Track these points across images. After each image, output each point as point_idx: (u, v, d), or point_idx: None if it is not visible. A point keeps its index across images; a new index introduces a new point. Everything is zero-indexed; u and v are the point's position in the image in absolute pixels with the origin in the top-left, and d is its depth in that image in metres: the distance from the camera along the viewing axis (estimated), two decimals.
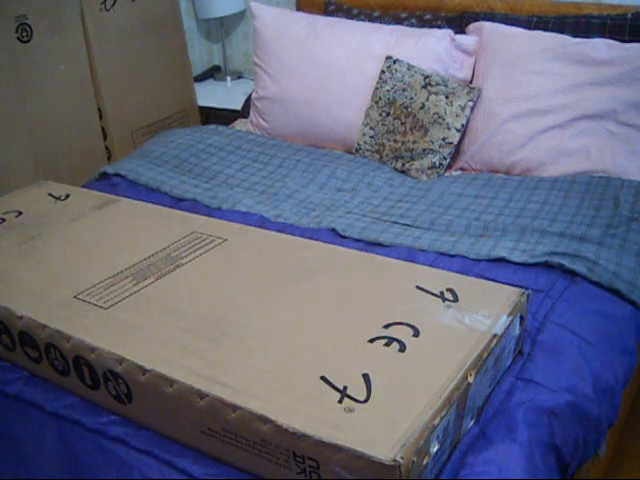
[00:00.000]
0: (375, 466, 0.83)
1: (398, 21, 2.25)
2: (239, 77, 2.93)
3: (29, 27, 2.02)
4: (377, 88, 2.03)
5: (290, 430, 0.88)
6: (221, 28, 2.89)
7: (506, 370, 1.15)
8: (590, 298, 1.32)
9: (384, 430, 0.87)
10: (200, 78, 2.91)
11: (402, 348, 1.02)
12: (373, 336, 1.05)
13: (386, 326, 1.07)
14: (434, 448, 0.90)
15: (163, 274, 1.27)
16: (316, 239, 1.45)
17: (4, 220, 1.53)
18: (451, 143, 1.91)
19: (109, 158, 2.37)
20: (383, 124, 2.00)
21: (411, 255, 1.46)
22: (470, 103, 1.92)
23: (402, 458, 0.82)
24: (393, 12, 2.30)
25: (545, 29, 2.00)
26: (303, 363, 1.00)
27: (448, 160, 1.93)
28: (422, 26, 2.19)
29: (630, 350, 1.28)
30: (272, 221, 1.65)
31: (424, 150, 1.91)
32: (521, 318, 1.14)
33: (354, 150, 2.07)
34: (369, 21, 2.28)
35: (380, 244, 1.53)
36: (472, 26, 2.09)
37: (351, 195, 1.77)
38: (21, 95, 2.04)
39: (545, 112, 1.84)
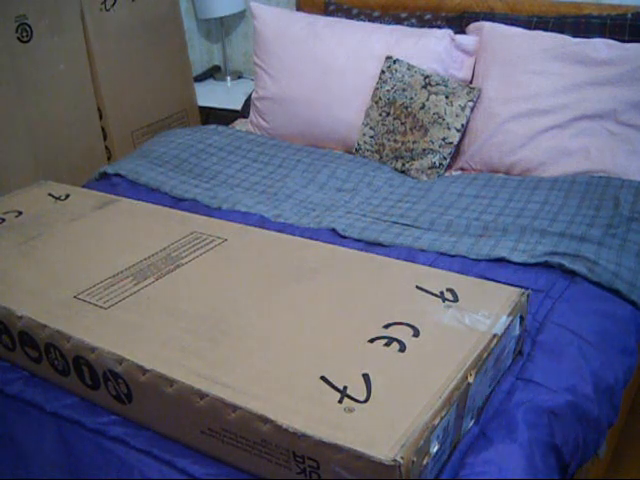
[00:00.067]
0: (375, 466, 0.83)
1: (398, 21, 2.25)
2: (239, 77, 2.93)
3: (29, 27, 2.02)
4: (377, 88, 2.03)
5: (290, 430, 0.88)
6: (221, 28, 2.89)
7: (506, 370, 1.15)
8: (590, 298, 1.32)
9: (384, 430, 0.87)
10: (200, 78, 2.91)
11: (402, 348, 1.02)
12: (373, 336, 1.05)
13: (386, 326, 1.07)
14: (434, 448, 0.90)
15: (163, 274, 1.27)
16: (316, 239, 1.45)
17: (4, 220, 1.53)
18: (451, 143, 1.91)
19: (109, 158, 2.37)
20: (383, 124, 2.00)
21: (411, 255, 1.46)
22: (470, 103, 1.92)
23: (402, 458, 0.82)
24: (393, 12, 2.30)
25: (545, 29, 2.00)
26: (303, 363, 1.00)
27: (448, 160, 1.93)
28: (422, 26, 2.19)
29: (630, 350, 1.28)
30: (272, 221, 1.65)
31: (424, 150, 1.91)
32: (521, 318, 1.14)
33: (354, 150, 2.07)
34: (369, 21, 2.28)
35: (380, 244, 1.53)
36: (472, 26, 2.09)
37: (351, 195, 1.77)
38: (21, 95, 2.04)
39: (545, 112, 1.84)
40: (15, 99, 2.02)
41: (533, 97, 1.86)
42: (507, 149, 1.88)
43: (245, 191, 1.83)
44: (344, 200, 1.75)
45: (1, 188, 1.95)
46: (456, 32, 2.08)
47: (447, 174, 1.94)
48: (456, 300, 1.13)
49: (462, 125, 1.92)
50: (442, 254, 1.47)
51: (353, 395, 0.93)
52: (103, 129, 2.32)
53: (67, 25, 2.13)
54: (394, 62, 2.02)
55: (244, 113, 2.43)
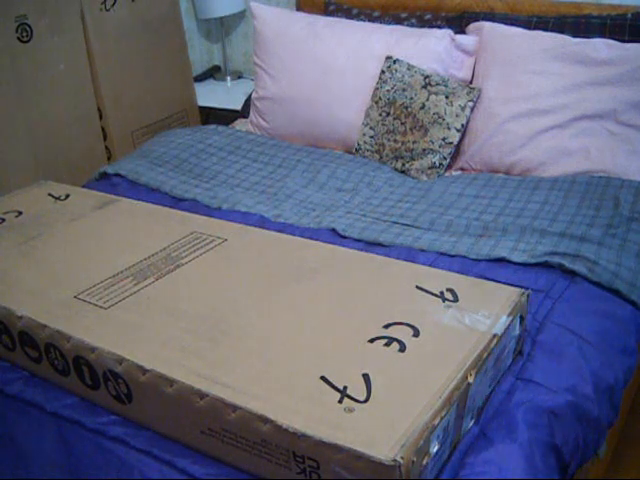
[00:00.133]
0: (375, 466, 0.83)
1: (398, 21, 2.25)
2: (239, 77, 2.93)
3: (29, 27, 2.02)
4: (377, 88, 2.03)
5: (290, 430, 0.88)
6: (221, 28, 2.89)
7: (506, 370, 1.15)
8: (590, 298, 1.32)
9: (384, 430, 0.87)
10: (200, 78, 2.91)
11: (402, 348, 1.02)
12: (373, 336, 1.05)
13: (386, 326, 1.07)
14: (434, 448, 0.90)
15: (163, 274, 1.27)
16: (316, 239, 1.45)
17: (4, 220, 1.53)
18: (451, 143, 1.91)
19: (109, 158, 2.37)
20: (383, 124, 2.00)
21: (411, 255, 1.46)
22: (470, 103, 1.92)
23: (402, 458, 0.82)
24: (393, 12, 2.30)
25: (545, 29, 2.00)
26: (303, 363, 1.00)
27: (448, 160, 1.93)
28: (422, 26, 2.19)
29: (630, 350, 1.28)
30: (272, 221, 1.65)
31: (424, 150, 1.91)
32: (521, 318, 1.14)
33: (354, 150, 2.07)
34: (369, 21, 2.28)
35: (380, 244, 1.53)
36: (472, 26, 2.09)
37: (351, 195, 1.78)
38: (21, 95, 2.04)
39: (545, 112, 1.84)
40: (15, 99, 2.02)
41: (533, 97, 1.86)
42: (507, 149, 1.88)
43: (245, 191, 1.83)
44: (344, 200, 1.75)
45: (1, 188, 1.95)
46: (456, 32, 2.08)
47: (447, 174, 1.94)
48: (456, 300, 1.13)
49: (462, 125, 1.92)
50: (442, 254, 1.47)
51: (353, 395, 0.93)
52: (103, 129, 2.32)
53: (67, 25, 2.13)
54: (394, 62, 2.02)
55: (244, 113, 2.43)
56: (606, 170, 1.76)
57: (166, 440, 1.04)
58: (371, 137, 2.03)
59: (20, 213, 1.56)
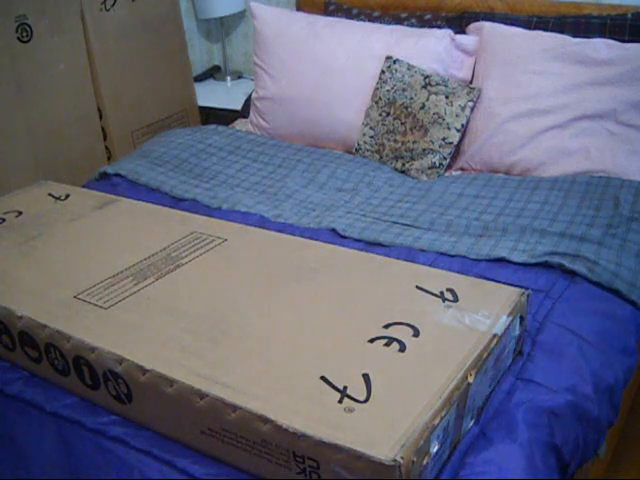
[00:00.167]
0: (375, 466, 0.83)
1: (398, 21, 2.25)
2: (239, 77, 2.93)
3: (29, 27, 2.02)
4: (377, 88, 2.03)
5: (290, 430, 0.88)
6: (221, 28, 2.89)
7: (506, 370, 1.15)
8: (590, 298, 1.32)
9: (384, 430, 0.87)
10: (200, 78, 2.91)
11: (402, 348, 1.02)
12: (373, 336, 1.05)
13: (386, 326, 1.07)
14: (434, 448, 0.90)
15: (163, 274, 1.27)
16: (316, 239, 1.45)
17: (4, 220, 1.53)
18: (451, 143, 1.91)
19: (109, 158, 2.37)
20: (383, 124, 2.00)
21: (411, 255, 1.46)
22: (470, 103, 1.92)
23: (402, 458, 0.82)
24: (393, 12, 2.30)
25: (545, 29, 2.00)
26: (303, 363, 1.00)
27: (448, 160, 1.93)
28: (422, 26, 2.19)
29: (630, 350, 1.28)
30: (272, 221, 1.65)
31: (424, 150, 1.91)
32: (521, 318, 1.14)
33: (354, 150, 2.07)
34: (369, 21, 2.28)
35: (380, 244, 1.53)
36: (472, 26, 2.09)
37: (351, 195, 1.78)
38: (21, 95, 2.04)
39: (545, 112, 1.84)
40: (15, 99, 2.02)
41: (533, 97, 1.86)
42: (507, 149, 1.88)
43: (245, 191, 1.83)
44: (344, 200, 1.75)
45: (1, 188, 1.95)
46: (456, 32, 2.08)
47: (447, 174, 1.94)
48: (456, 300, 1.13)
49: (462, 125, 1.92)
50: (442, 254, 1.47)
51: (353, 395, 0.93)
52: (103, 129, 2.32)
53: (67, 25, 2.13)
54: (394, 62, 2.02)
55: (244, 113, 2.43)
56: (606, 170, 1.76)
57: (166, 440, 1.04)
58: (371, 137, 2.03)
59: (20, 213, 1.56)
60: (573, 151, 1.81)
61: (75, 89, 2.19)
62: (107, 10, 2.24)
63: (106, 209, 1.55)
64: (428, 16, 2.23)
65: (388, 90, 2.01)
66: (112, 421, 1.08)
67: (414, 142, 1.93)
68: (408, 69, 2.00)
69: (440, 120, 1.91)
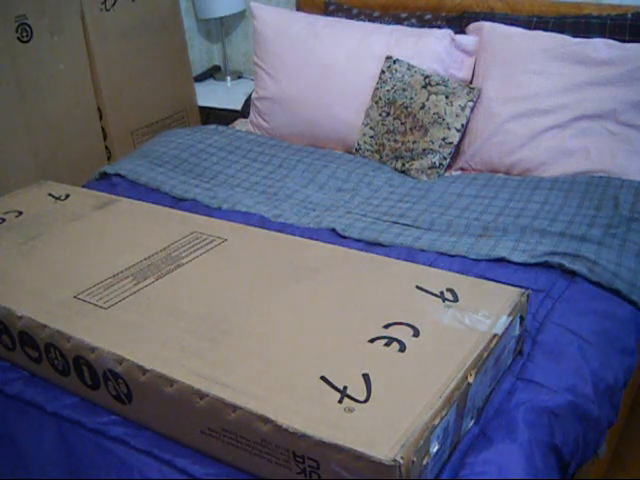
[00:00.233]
0: (375, 466, 0.83)
1: (398, 21, 2.25)
2: (239, 77, 2.93)
3: (29, 27, 2.02)
4: (377, 88, 2.03)
5: (290, 430, 0.88)
6: (221, 28, 2.89)
7: (506, 370, 1.15)
8: (590, 298, 1.32)
9: (384, 430, 0.87)
10: (200, 78, 2.91)
11: (402, 348, 1.02)
12: (373, 336, 1.05)
13: (386, 326, 1.07)
14: (434, 448, 0.90)
15: (163, 274, 1.27)
16: (316, 239, 1.45)
17: (4, 220, 1.53)
18: (451, 143, 1.91)
19: (109, 158, 2.37)
20: (383, 124, 2.00)
21: (411, 255, 1.46)
22: (470, 103, 1.92)
23: (402, 458, 0.82)
24: (393, 12, 2.30)
25: (545, 29, 2.00)
26: (303, 363, 1.00)
27: (448, 160, 1.93)
28: (422, 26, 2.19)
29: (630, 350, 1.28)
30: (272, 221, 1.65)
31: (424, 150, 1.91)
32: (521, 318, 1.14)
33: (354, 150, 2.07)
34: (369, 21, 2.28)
35: (380, 244, 1.53)
36: (472, 26, 2.09)
37: (351, 195, 1.78)
38: (21, 95, 2.04)
39: (545, 112, 1.84)
40: (15, 99, 2.02)
41: (533, 97, 1.86)
42: (507, 149, 1.88)
43: (245, 191, 1.83)
44: (344, 200, 1.75)
45: (1, 188, 1.95)
46: (456, 32, 2.08)
47: (447, 174, 1.94)
48: (456, 300, 1.13)
49: (462, 125, 1.92)
50: (442, 254, 1.47)
51: (353, 395, 0.93)
52: (103, 129, 2.32)
53: (67, 25, 2.13)
54: (394, 62, 2.02)
55: (244, 113, 2.43)
56: (606, 170, 1.76)
57: (166, 440, 1.04)
58: (371, 137, 2.03)
59: (20, 213, 1.56)
60: (573, 151, 1.81)
61: (75, 89, 2.19)
62: (107, 10, 2.24)
63: (106, 209, 1.55)
64: (428, 16, 2.23)
65: (388, 90, 2.01)
66: (112, 421, 1.08)
67: (414, 142, 1.93)
68: (408, 69, 2.00)
69: (440, 120, 1.91)
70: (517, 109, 1.87)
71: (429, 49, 2.03)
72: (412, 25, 2.21)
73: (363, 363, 0.99)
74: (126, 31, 2.32)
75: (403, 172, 1.94)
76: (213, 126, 2.21)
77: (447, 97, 1.93)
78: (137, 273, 1.27)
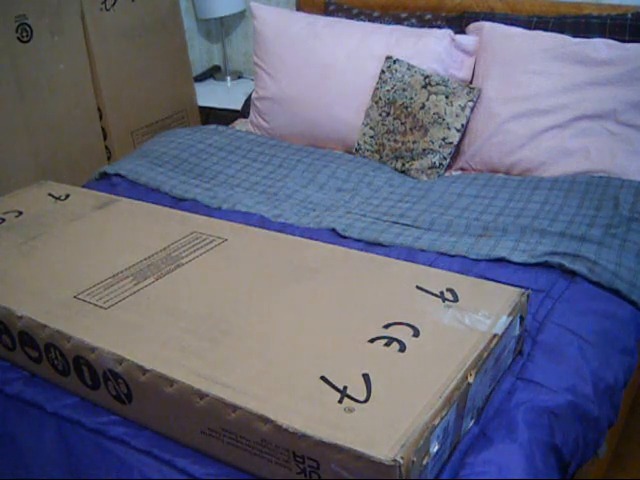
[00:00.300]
0: (375, 466, 0.83)
1: (398, 21, 2.25)
2: (239, 77, 2.93)
3: (29, 27, 2.02)
4: (377, 88, 2.03)
5: (290, 430, 0.88)
6: (221, 28, 2.89)
7: (506, 370, 1.15)
8: (590, 298, 1.32)
9: (384, 430, 0.87)
10: (200, 78, 2.91)
11: (402, 348, 1.02)
12: (373, 336, 1.05)
13: (386, 326, 1.07)
14: (434, 448, 0.90)
15: (163, 274, 1.27)
16: (316, 239, 1.45)
17: (4, 220, 1.53)
18: (451, 143, 1.91)
19: (109, 158, 2.37)
20: (383, 124, 2.00)
21: (411, 255, 1.46)
22: (470, 103, 1.92)
23: (402, 458, 0.82)
24: (393, 12, 2.30)
25: (545, 29, 2.00)
26: (303, 363, 1.00)
27: (448, 160, 1.93)
28: (422, 26, 2.19)
29: (630, 350, 1.28)
30: (272, 221, 1.65)
31: (424, 150, 1.91)
32: (521, 318, 1.14)
33: (354, 150, 2.07)
34: (369, 21, 2.28)
35: (380, 244, 1.53)
36: (472, 26, 2.09)
37: (351, 195, 1.78)
38: (21, 95, 2.04)
39: (545, 112, 1.84)
40: (15, 99, 2.02)
41: (533, 97, 1.86)
42: (507, 149, 1.88)
43: (245, 191, 1.83)
44: (344, 200, 1.75)
45: (1, 188, 1.95)
46: (456, 32, 2.08)
47: (447, 174, 1.94)
48: (456, 300, 1.13)
49: (462, 125, 1.92)
50: (442, 254, 1.47)
51: (353, 395, 0.93)
52: (103, 129, 2.32)
53: (67, 25, 2.13)
54: (394, 62, 2.02)
55: (244, 113, 2.43)
56: (606, 170, 1.76)
57: (166, 440, 1.04)
58: (371, 137, 2.03)
59: (20, 213, 1.56)
60: (573, 151, 1.81)
61: (75, 89, 2.19)
62: (107, 10, 2.24)
63: (106, 209, 1.55)
64: (428, 16, 2.23)
65: (388, 90, 2.01)
66: (112, 421, 1.08)
67: (414, 142, 1.93)
68: (408, 69, 2.00)
69: (440, 120, 1.91)
70: (517, 109, 1.87)
71: (429, 49, 2.03)
72: (412, 25, 2.21)
73: (363, 363, 0.99)
74: (126, 31, 2.32)
75: (403, 172, 1.94)
76: (213, 126, 2.21)
77: (447, 97, 1.93)
78: (137, 273, 1.27)
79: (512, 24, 2.02)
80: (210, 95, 2.78)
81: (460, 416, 0.98)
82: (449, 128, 1.91)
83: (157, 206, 1.58)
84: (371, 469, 0.84)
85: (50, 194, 1.65)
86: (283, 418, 0.89)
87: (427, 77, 1.97)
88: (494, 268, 1.40)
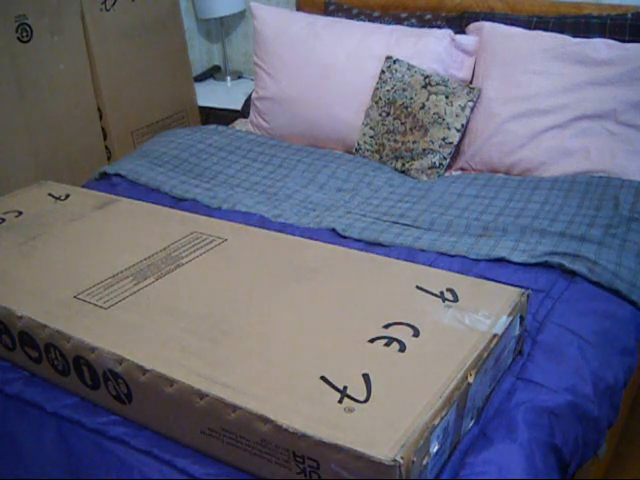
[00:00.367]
0: (375, 466, 0.83)
1: (398, 21, 2.25)
2: (239, 77, 2.93)
3: (29, 27, 2.02)
4: (377, 88, 2.03)
5: (290, 430, 0.88)
6: (221, 28, 2.89)
7: (506, 370, 1.15)
8: (590, 298, 1.32)
9: (384, 430, 0.87)
10: (200, 78, 2.91)
11: (402, 348, 1.02)
12: (373, 336, 1.05)
13: (386, 326, 1.07)
14: (434, 448, 0.90)
15: (163, 274, 1.27)
16: (316, 239, 1.45)
17: (4, 220, 1.53)
18: (451, 143, 1.91)
19: (109, 158, 2.37)
20: (383, 124, 2.00)
21: (411, 255, 1.46)
22: (470, 103, 1.92)
23: (402, 458, 0.82)
24: (393, 12, 2.30)
25: (545, 29, 2.00)
26: (303, 363, 1.00)
27: (448, 160, 1.93)
28: (422, 26, 2.19)
29: (630, 350, 1.28)
30: (272, 221, 1.65)
31: (424, 150, 1.91)
32: (521, 318, 1.14)
33: (354, 150, 2.07)
34: (369, 21, 2.28)
35: (380, 244, 1.53)
36: (472, 26, 2.09)
37: (351, 195, 1.78)
38: (21, 95, 2.04)
39: (545, 112, 1.84)
40: (15, 99, 2.02)
41: (533, 97, 1.86)
42: (507, 149, 1.88)
43: (245, 191, 1.83)
44: (344, 200, 1.75)
45: (1, 188, 1.95)
46: (456, 32, 2.08)
47: (447, 174, 1.94)
48: (456, 300, 1.13)
49: (462, 125, 1.92)
50: (442, 254, 1.47)
51: (353, 395, 0.93)
52: (103, 129, 2.32)
53: (67, 25, 2.13)
54: (394, 62, 2.02)
55: (244, 113, 2.43)
56: (606, 170, 1.76)
57: (166, 440, 1.04)
58: (371, 137, 2.03)
59: (20, 213, 1.56)
60: (573, 151, 1.81)
61: (75, 89, 2.19)
62: (107, 10, 2.24)
63: (106, 209, 1.55)
64: (428, 16, 2.23)
65: (388, 90, 2.01)
66: (112, 421, 1.08)
67: (414, 142, 1.93)
68: (408, 69, 2.00)
69: (440, 120, 1.91)
70: (517, 109, 1.87)
71: (429, 49, 2.03)
72: (412, 25, 2.21)
73: (363, 363, 0.99)
74: (126, 31, 2.32)
75: (403, 172, 1.94)
76: (213, 126, 2.21)
77: (447, 97, 1.93)
78: (137, 273, 1.27)
79: (512, 24, 2.02)
80: (210, 95, 2.78)
81: (460, 416, 0.98)
82: (449, 128, 1.91)
83: (157, 206, 1.58)
84: (371, 469, 0.84)
85: (50, 194, 1.65)
86: (283, 418, 0.89)
87: (427, 77, 1.97)
88: (494, 268, 1.40)
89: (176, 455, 1.01)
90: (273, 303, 1.16)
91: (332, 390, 0.94)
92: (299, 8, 2.56)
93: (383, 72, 2.03)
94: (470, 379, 0.97)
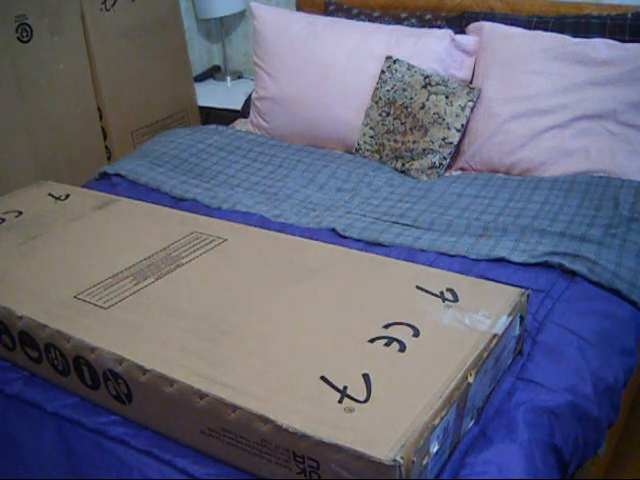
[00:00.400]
0: (375, 466, 0.83)
1: (398, 21, 2.25)
2: (239, 77, 2.93)
3: (29, 27, 2.02)
4: (377, 88, 2.03)
5: (290, 430, 0.88)
6: (221, 28, 2.89)
7: (506, 370, 1.15)
8: (590, 298, 1.32)
9: (384, 430, 0.87)
10: (200, 78, 2.91)
11: (402, 348, 1.02)
12: (373, 336, 1.05)
13: (386, 326, 1.07)
14: (434, 448, 0.90)
15: (163, 274, 1.27)
16: (316, 239, 1.45)
17: (4, 220, 1.53)
18: (451, 143, 1.91)
19: (109, 158, 2.37)
20: (383, 124, 2.00)
21: (411, 255, 1.46)
22: (470, 103, 1.92)
23: (402, 458, 0.82)
24: (393, 12, 2.30)
25: (545, 29, 2.00)
26: (303, 363, 1.00)
27: (448, 160, 1.93)
28: (422, 26, 2.19)
29: (630, 350, 1.28)
30: (272, 221, 1.65)
31: (424, 150, 1.91)
32: (521, 318, 1.14)
33: (354, 150, 2.07)
34: (369, 21, 2.28)
35: (380, 244, 1.53)
36: (472, 26, 2.09)
37: (351, 195, 1.78)
38: (21, 95, 2.04)
39: (545, 112, 1.84)
40: (15, 99, 2.02)
41: (533, 97, 1.86)
42: (507, 149, 1.88)
43: (245, 191, 1.83)
44: (344, 200, 1.75)
45: (1, 188, 1.95)
46: (456, 32, 2.08)
47: (447, 174, 1.94)
48: (456, 300, 1.13)
49: (462, 125, 1.92)
50: (442, 254, 1.47)
51: (353, 395, 0.93)
52: (103, 129, 2.32)
53: (67, 25, 2.13)
54: (394, 62, 2.02)
55: (244, 113, 2.43)
56: (606, 170, 1.76)
57: (166, 440, 1.04)
58: (371, 137, 2.03)
59: (20, 213, 1.56)
60: (573, 151, 1.81)
61: (75, 89, 2.19)
62: (107, 10, 2.24)
63: (106, 209, 1.55)
64: (428, 16, 2.23)
65: (388, 90, 2.01)
66: (112, 421, 1.08)
67: (414, 142, 1.93)
68: (408, 69, 2.00)
69: (440, 120, 1.91)
70: (517, 109, 1.87)
71: (429, 49, 2.03)
72: (412, 25, 2.21)
73: (363, 363, 0.99)
74: (126, 31, 2.32)
75: (403, 172, 1.94)
76: (213, 126, 2.21)
77: (447, 97, 1.93)
78: (137, 273, 1.27)
79: (512, 24, 2.02)
80: (210, 95, 2.78)
81: (460, 416, 0.98)
82: (449, 128, 1.91)
83: (157, 206, 1.58)
84: (371, 469, 0.84)
85: (50, 194, 1.65)
86: (283, 418, 0.89)
87: (427, 77, 1.97)
88: (494, 268, 1.40)
89: (176, 455, 1.01)
90: (273, 303, 1.16)
91: (332, 390, 0.94)
92: (299, 8, 2.56)
93: (383, 72, 2.03)
94: (470, 379, 0.97)
